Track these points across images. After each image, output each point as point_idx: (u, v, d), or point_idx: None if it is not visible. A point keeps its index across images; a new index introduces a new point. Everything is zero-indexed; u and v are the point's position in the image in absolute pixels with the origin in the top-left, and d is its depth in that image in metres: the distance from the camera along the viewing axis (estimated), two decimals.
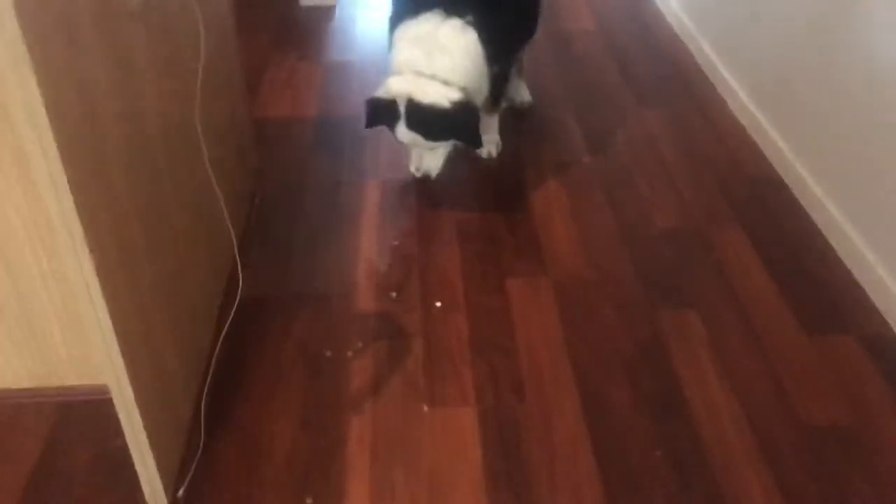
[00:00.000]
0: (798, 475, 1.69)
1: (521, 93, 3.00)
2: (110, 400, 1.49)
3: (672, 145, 2.80)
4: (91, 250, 1.31)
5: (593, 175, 2.66)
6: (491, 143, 2.70)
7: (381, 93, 2.25)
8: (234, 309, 1.85)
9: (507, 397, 1.88)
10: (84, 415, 1.81)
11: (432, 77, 2.21)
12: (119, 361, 1.43)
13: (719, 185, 2.59)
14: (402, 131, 2.25)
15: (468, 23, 2.25)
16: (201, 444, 1.73)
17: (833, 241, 2.32)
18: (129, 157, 1.50)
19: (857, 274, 2.21)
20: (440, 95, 2.19)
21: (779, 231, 2.40)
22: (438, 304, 2.13)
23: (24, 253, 1.67)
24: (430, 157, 2.36)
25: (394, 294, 2.17)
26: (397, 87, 2.22)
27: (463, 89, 2.23)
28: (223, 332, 1.88)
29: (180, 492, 1.64)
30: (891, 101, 2.05)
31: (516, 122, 2.90)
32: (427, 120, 2.22)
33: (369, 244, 2.34)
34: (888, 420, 1.81)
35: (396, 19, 2.36)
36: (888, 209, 2.09)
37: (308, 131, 2.88)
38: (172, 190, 1.74)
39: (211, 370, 1.85)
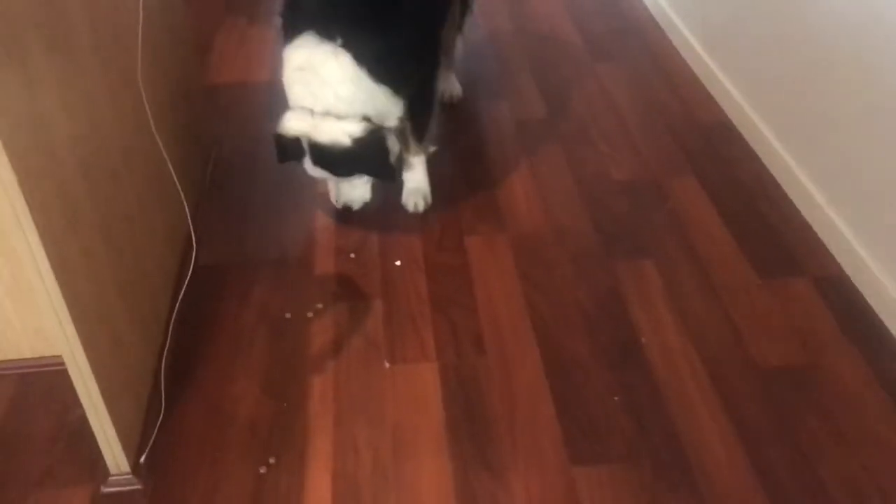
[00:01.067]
0: (752, 415, 1.73)
1: (450, 85, 2.78)
2: (67, 370, 1.48)
3: (628, 98, 2.81)
4: (35, 219, 1.29)
5: (550, 131, 2.66)
6: (417, 195, 2.33)
7: (282, 131, 2.05)
8: (188, 274, 1.84)
9: (468, 352, 1.89)
10: (43, 386, 1.80)
11: (325, 113, 1.99)
12: (71, 331, 1.42)
13: (674, 136, 2.61)
14: (312, 169, 2.08)
15: (340, 46, 1.96)
16: (162, 411, 1.73)
17: (785, 186, 2.36)
18: (72, 122, 1.48)
19: (809, 217, 2.24)
20: (338, 132, 1.98)
21: (732, 178, 2.42)
22: (398, 262, 2.14)
23: None
24: (348, 189, 2.18)
25: (352, 255, 2.17)
26: (295, 125, 2.02)
27: (364, 119, 2.00)
28: (179, 298, 1.87)
29: (142, 458, 1.64)
30: (839, 44, 2.07)
31: (474, 81, 2.89)
32: (331, 158, 2.03)
33: (326, 207, 2.33)
34: (839, 359, 1.86)
35: (283, 38, 2.10)
36: (837, 151, 2.12)
37: (261, 96, 2.85)
38: (120, 155, 1.71)
39: (169, 337, 1.84)
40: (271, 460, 1.66)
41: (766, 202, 2.33)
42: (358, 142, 1.98)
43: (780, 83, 2.38)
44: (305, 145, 2.02)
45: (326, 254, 2.19)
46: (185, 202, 1.89)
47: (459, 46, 2.76)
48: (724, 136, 2.61)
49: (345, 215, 2.23)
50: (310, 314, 2.00)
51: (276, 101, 2.82)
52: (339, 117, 1.98)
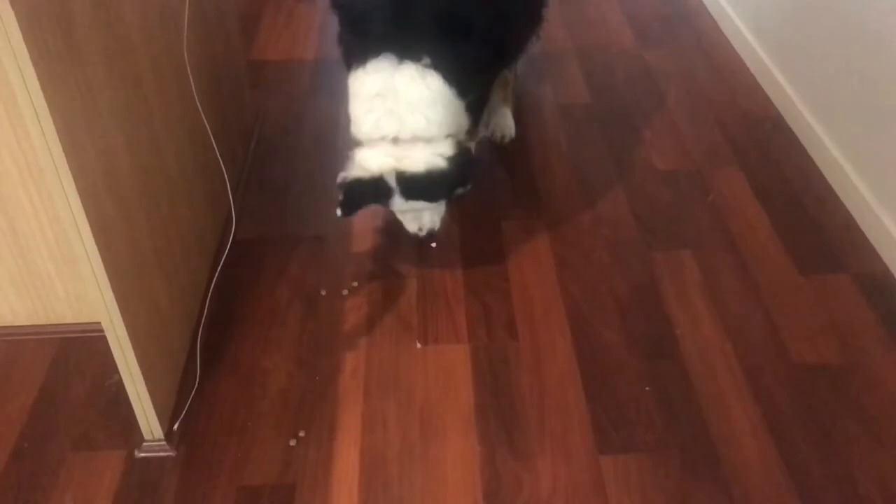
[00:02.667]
0: (786, 413, 1.71)
1: (503, 124, 2.54)
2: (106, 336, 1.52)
3: (674, 87, 2.77)
4: (79, 187, 1.32)
5: (593, 117, 2.64)
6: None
7: (358, 172, 1.83)
8: (227, 248, 1.87)
9: (500, 336, 1.89)
10: (82, 351, 1.85)
11: (413, 140, 1.82)
12: (111, 298, 1.45)
13: (720, 127, 2.57)
14: (401, 204, 1.88)
15: (427, 66, 1.81)
16: (197, 380, 1.76)
17: (832, 182, 2.31)
18: (117, 93, 1.50)
19: (856, 214, 2.19)
20: (432, 157, 1.82)
21: (778, 172, 2.38)
22: (434, 244, 2.14)
23: (17, 192, 1.69)
24: (430, 215, 1.97)
25: (389, 235, 2.18)
26: (377, 163, 1.82)
27: (448, 137, 1.86)
28: (217, 271, 1.90)
29: (176, 425, 1.68)
30: None
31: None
32: (428, 186, 1.84)
33: None
34: (878, 359, 1.82)
35: (347, 59, 1.95)
36: (888, 148, 2.07)
37: (306, 74, 2.87)
38: (164, 128, 1.74)
39: (206, 308, 1.87)
40: (301, 433, 1.68)
41: (811, 197, 2.28)
42: (452, 160, 1.83)
43: (834, 77, 2.32)
44: (392, 182, 1.81)
45: (364, 233, 2.20)
46: (226, 176, 1.91)
47: (518, 72, 2.62)
48: (773, 130, 2.55)
49: (427, 239, 2.02)
50: (345, 292, 2.01)
51: (320, 80, 2.85)
52: (429, 140, 1.82)
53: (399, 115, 1.81)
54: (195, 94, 1.80)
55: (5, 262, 1.78)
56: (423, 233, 1.99)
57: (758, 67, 2.79)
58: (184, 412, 1.70)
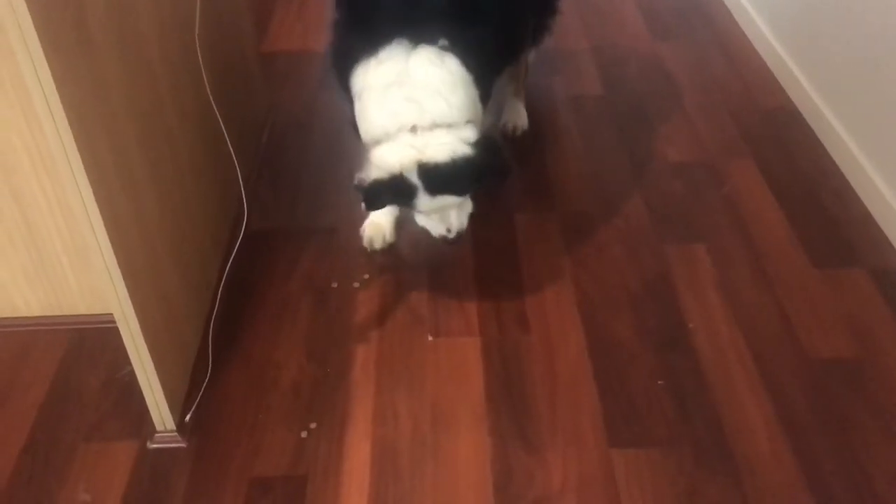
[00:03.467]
0: (800, 407, 1.70)
1: (515, 115, 2.49)
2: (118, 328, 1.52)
3: (688, 78, 2.75)
4: (91, 179, 1.32)
5: (606, 109, 2.62)
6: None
7: (376, 172, 1.74)
8: (238, 240, 1.87)
9: (511, 329, 1.89)
10: (94, 342, 1.85)
11: (433, 127, 1.71)
12: (123, 290, 1.46)
13: (734, 119, 2.55)
14: (426, 202, 1.76)
15: (444, 48, 1.73)
16: (209, 372, 1.76)
17: (848, 175, 2.28)
18: (129, 85, 1.51)
19: (871, 208, 2.17)
20: (457, 143, 1.71)
21: (793, 165, 2.36)
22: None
23: (30, 183, 1.69)
24: (458, 214, 1.84)
25: (401, 228, 2.18)
26: (397, 157, 1.71)
27: (469, 123, 1.76)
28: (229, 263, 1.90)
29: (188, 417, 1.68)
30: None
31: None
32: (454, 176, 1.72)
33: None
34: (892, 354, 1.80)
35: (347, 59, 1.81)
36: None
37: (318, 66, 2.86)
38: (176, 120, 1.74)
39: (218, 300, 1.87)
40: (312, 425, 1.68)
41: (826, 190, 2.26)
42: (479, 145, 1.73)
43: (850, 69, 2.30)
44: (416, 178, 1.71)
45: None
46: (238, 167, 1.91)
47: (530, 62, 2.55)
48: (787, 121, 2.53)
49: (455, 242, 1.90)
50: (356, 284, 2.01)
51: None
52: (450, 126, 1.72)
53: (418, 101, 1.70)
54: (207, 85, 1.80)
55: (19, 253, 1.79)
56: (452, 234, 1.86)
57: (773, 59, 2.76)
58: (195, 404, 1.70)
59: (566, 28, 3.02)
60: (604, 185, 2.31)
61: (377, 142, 1.75)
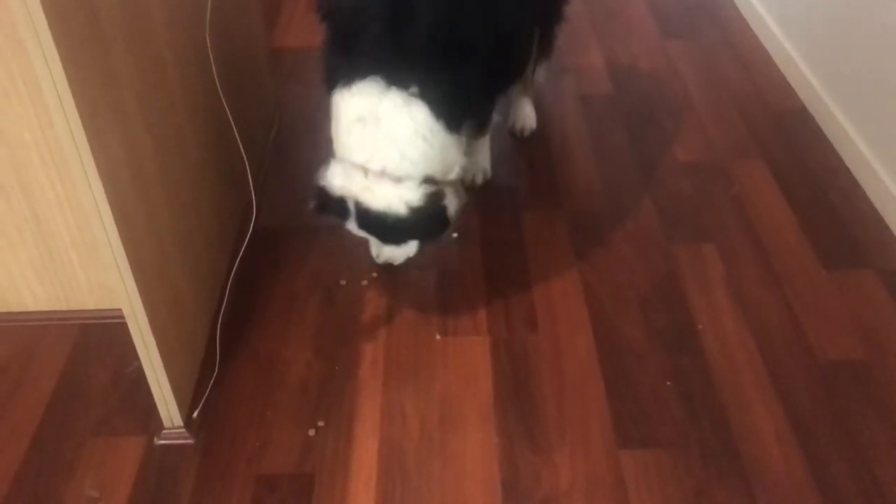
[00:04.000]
0: (808, 409, 1.69)
1: (524, 115, 2.47)
2: (127, 324, 1.52)
3: (697, 78, 2.74)
4: (102, 174, 1.32)
5: (615, 108, 2.61)
6: (478, 170, 2.24)
7: (325, 184, 1.76)
8: (247, 236, 1.87)
9: (519, 328, 1.88)
10: (102, 338, 1.85)
11: (381, 174, 1.68)
12: (132, 286, 1.45)
13: (744, 119, 2.54)
14: (356, 229, 1.79)
15: (413, 95, 1.67)
16: (216, 368, 1.76)
17: (858, 176, 2.27)
18: (140, 80, 1.50)
19: (881, 209, 2.16)
20: (395, 199, 1.69)
21: (803, 165, 2.35)
22: (455, 234, 2.13)
23: (40, 178, 1.69)
24: (391, 250, 1.89)
25: None
26: (340, 184, 1.72)
27: (426, 180, 1.72)
28: (238, 259, 1.90)
29: (195, 413, 1.68)
30: None
31: None
32: (381, 225, 1.75)
33: None
34: None
35: (330, 79, 1.79)
36: None
37: None
38: (186, 116, 1.74)
39: (226, 297, 1.87)
40: (320, 423, 1.68)
41: (836, 191, 2.25)
42: (416, 211, 1.70)
43: (860, 70, 2.29)
44: (352, 206, 1.73)
45: None
46: (247, 164, 1.91)
47: (542, 73, 2.54)
48: (797, 122, 2.52)
49: (385, 267, 1.96)
50: (364, 282, 2.01)
51: None
52: (398, 180, 1.69)
53: (374, 147, 1.69)
54: (217, 81, 1.80)
55: (28, 248, 1.79)
56: (379, 261, 1.93)
57: (783, 59, 2.75)
58: (203, 400, 1.70)
59: (575, 27, 3.01)
60: (612, 184, 2.30)
61: (337, 161, 1.76)
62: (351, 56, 1.74)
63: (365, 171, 1.69)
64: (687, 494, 1.55)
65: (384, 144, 1.69)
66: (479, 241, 2.12)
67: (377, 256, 1.93)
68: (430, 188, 1.72)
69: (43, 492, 1.58)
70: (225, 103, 1.83)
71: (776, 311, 1.90)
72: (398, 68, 1.67)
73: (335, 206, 1.76)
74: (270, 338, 1.87)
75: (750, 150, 2.41)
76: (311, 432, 1.67)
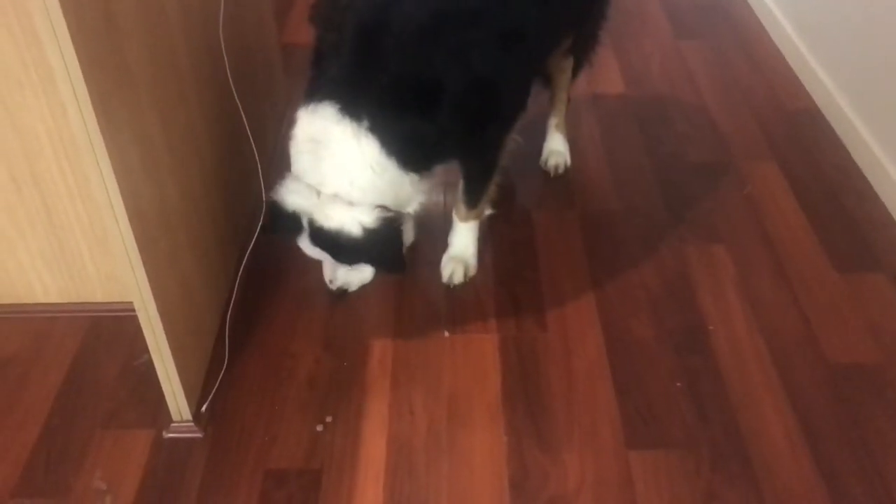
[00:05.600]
0: (819, 411, 1.68)
1: (557, 152, 2.34)
2: (137, 316, 1.52)
3: (710, 78, 2.73)
4: (114, 166, 1.32)
5: (627, 107, 2.60)
6: (457, 263, 1.99)
7: (279, 200, 1.72)
8: (257, 231, 1.87)
9: (529, 326, 1.88)
10: (112, 330, 1.86)
11: (334, 196, 1.66)
12: (143, 279, 1.46)
13: (756, 120, 2.53)
14: (308, 248, 1.76)
15: (366, 129, 1.63)
16: (225, 362, 1.76)
17: (871, 178, 2.26)
18: (153, 74, 1.50)
19: (895, 212, 2.15)
20: (347, 219, 1.67)
21: (816, 167, 2.33)
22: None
23: (52, 170, 1.70)
24: (342, 272, 1.84)
25: (420, 223, 2.17)
26: (294, 201, 1.69)
27: (379, 207, 1.69)
28: (247, 253, 1.90)
29: (204, 407, 1.68)
30: None
31: None
32: (334, 244, 1.71)
33: None
34: None
35: (306, 92, 1.75)
36: None
37: None
38: (198, 110, 1.74)
39: (235, 291, 1.87)
40: (328, 418, 1.68)
41: (849, 194, 2.24)
42: (369, 233, 1.67)
43: (875, 72, 2.27)
44: (305, 222, 1.70)
45: None
46: (258, 159, 1.91)
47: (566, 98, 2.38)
48: (810, 124, 2.51)
49: (336, 296, 1.89)
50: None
51: None
52: (351, 203, 1.67)
53: (325, 171, 1.66)
54: (230, 76, 1.80)
55: (38, 239, 1.80)
56: (333, 286, 1.85)
57: (796, 60, 2.74)
58: (212, 394, 1.70)
59: None
60: (624, 183, 2.29)
61: (293, 177, 1.72)
62: (319, 76, 1.72)
63: (316, 191, 1.67)
64: (696, 496, 1.54)
65: (335, 171, 1.66)
66: (490, 238, 2.12)
67: (331, 282, 1.85)
68: (385, 213, 1.69)
69: (52, 483, 1.58)
70: (237, 98, 1.83)
71: (787, 314, 1.89)
72: (354, 100, 1.63)
73: (288, 221, 1.72)
74: (279, 333, 1.87)
75: (762, 151, 2.40)
76: (319, 428, 1.67)
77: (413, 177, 1.73)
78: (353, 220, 1.67)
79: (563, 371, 1.78)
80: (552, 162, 2.35)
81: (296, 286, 1.99)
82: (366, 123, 1.63)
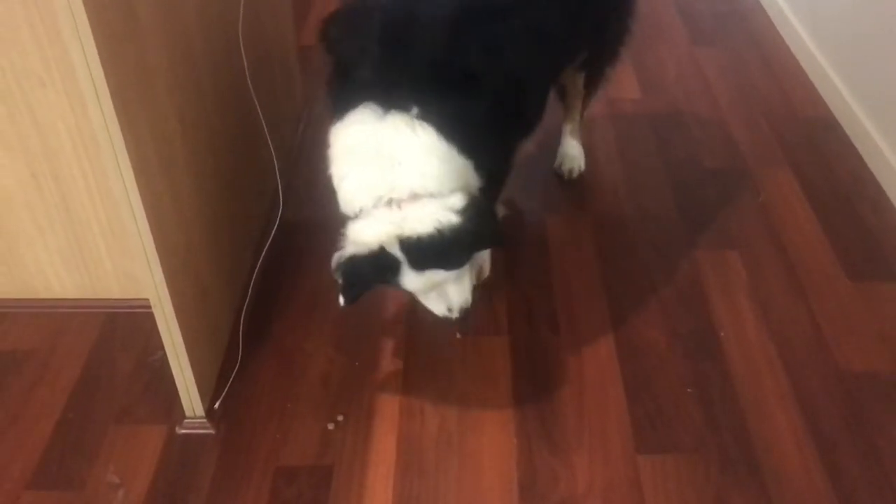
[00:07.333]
0: (830, 420, 1.68)
1: (571, 157, 2.34)
2: (153, 313, 1.53)
3: (726, 85, 2.73)
4: (133, 164, 1.34)
5: (643, 112, 2.61)
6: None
7: (353, 249, 1.55)
8: (273, 230, 1.88)
9: (540, 329, 1.88)
10: (127, 326, 1.88)
11: (413, 197, 1.52)
12: (160, 275, 1.47)
13: (772, 127, 2.52)
14: (413, 279, 1.56)
15: (416, 117, 1.53)
16: (239, 360, 1.78)
17: (886, 187, 2.25)
18: (173, 74, 1.52)
19: None
20: (441, 212, 1.52)
21: (830, 175, 2.33)
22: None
23: (71, 167, 1.72)
24: (457, 290, 1.64)
25: None
26: (374, 232, 1.52)
27: (454, 191, 1.56)
28: (263, 253, 1.92)
29: (217, 403, 1.70)
30: None
31: None
32: (442, 249, 1.52)
33: None
34: None
35: (333, 115, 1.64)
36: None
37: None
38: (216, 110, 1.75)
39: (250, 289, 1.89)
40: (339, 417, 1.69)
41: (864, 202, 2.23)
42: (465, 211, 1.52)
43: (891, 80, 2.26)
44: (398, 252, 1.51)
45: None
46: (274, 158, 1.92)
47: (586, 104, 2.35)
48: (825, 131, 2.50)
49: (464, 324, 1.76)
50: None
51: None
52: (431, 196, 1.53)
53: (391, 173, 1.52)
54: (248, 77, 1.82)
55: (56, 235, 1.82)
56: (455, 314, 1.66)
57: (812, 67, 2.73)
58: (225, 391, 1.72)
59: None
60: (637, 188, 2.30)
61: (355, 216, 1.57)
62: (347, 86, 1.61)
63: (392, 203, 1.52)
64: (704, 501, 1.54)
65: (399, 168, 1.53)
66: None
67: (449, 309, 1.65)
68: (465, 193, 1.57)
69: (66, 476, 1.60)
70: (255, 98, 1.85)
71: (799, 321, 1.89)
72: (399, 91, 1.54)
73: (375, 265, 1.53)
74: (293, 331, 1.88)
75: (777, 159, 2.40)
76: (331, 426, 1.68)
77: (470, 163, 1.60)
78: (444, 210, 1.52)
79: (574, 374, 1.78)
80: (566, 166, 2.35)
81: (310, 285, 2.00)
82: (415, 111, 1.53)
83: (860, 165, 2.36)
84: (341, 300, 1.59)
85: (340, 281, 1.57)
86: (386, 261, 1.52)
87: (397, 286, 1.58)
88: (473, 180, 1.63)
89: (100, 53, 1.21)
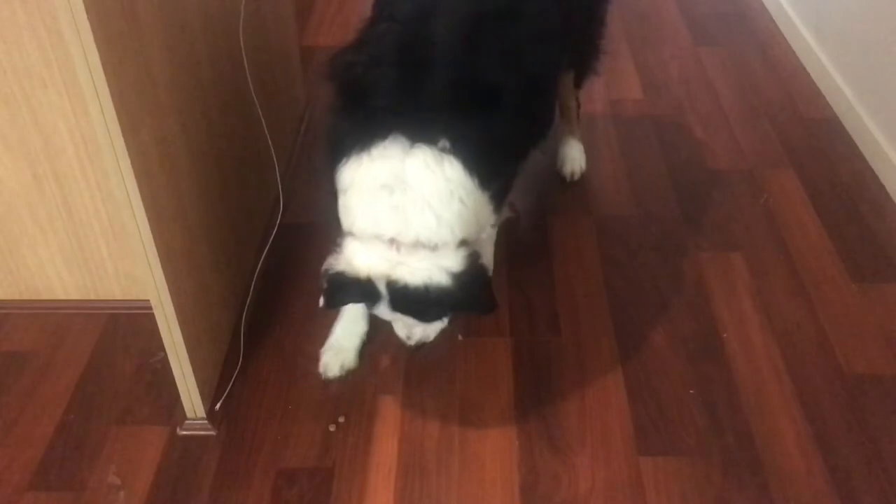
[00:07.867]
0: (833, 422, 1.67)
1: (572, 157, 2.33)
2: (154, 314, 1.53)
3: (729, 85, 2.72)
4: (134, 165, 1.33)
5: (645, 113, 2.60)
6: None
7: (344, 267, 1.54)
8: (274, 231, 1.88)
9: (542, 331, 1.88)
10: (128, 328, 1.88)
11: (415, 245, 1.48)
12: (161, 277, 1.47)
13: (775, 128, 2.52)
14: (387, 313, 1.58)
15: (444, 150, 1.47)
16: (240, 362, 1.78)
17: (890, 188, 2.25)
18: (174, 75, 1.52)
19: None
20: (435, 270, 1.49)
21: (834, 176, 2.32)
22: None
23: (73, 168, 1.72)
24: (423, 329, 1.67)
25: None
26: (366, 264, 1.51)
27: (462, 243, 1.52)
28: (264, 254, 1.92)
29: (218, 405, 1.69)
30: None
31: None
32: (423, 304, 1.53)
33: None
34: None
35: (337, 152, 1.55)
36: None
37: None
38: (217, 111, 1.75)
39: (251, 291, 1.89)
40: (341, 419, 1.69)
41: (867, 204, 2.22)
42: (459, 277, 1.51)
43: (893, 80, 2.26)
44: (382, 288, 1.51)
45: None
46: (275, 160, 1.92)
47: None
48: (828, 132, 2.50)
49: (414, 350, 1.74)
50: None
51: None
52: (434, 248, 1.49)
53: (405, 213, 1.47)
54: (249, 77, 1.82)
55: (58, 236, 1.82)
56: (411, 342, 1.69)
57: (816, 68, 2.72)
58: (226, 392, 1.72)
59: (607, 31, 3.00)
60: (640, 189, 2.29)
61: (355, 237, 1.54)
62: (366, 118, 1.52)
63: (394, 244, 1.49)
64: (707, 503, 1.54)
65: (417, 211, 1.47)
66: (505, 242, 2.12)
67: (408, 338, 1.69)
68: (467, 250, 1.53)
69: (67, 477, 1.60)
70: (256, 99, 1.85)
71: (803, 323, 1.88)
72: (422, 121, 1.47)
73: (359, 290, 1.53)
74: (294, 333, 1.88)
75: (780, 160, 2.39)
76: (332, 428, 1.68)
77: (488, 196, 1.56)
78: (439, 268, 1.50)
79: (576, 376, 1.78)
80: (567, 167, 2.34)
81: (312, 287, 1.99)
82: (442, 143, 1.47)
83: (864, 167, 2.35)
84: (322, 302, 1.61)
85: (325, 287, 1.58)
86: (369, 290, 1.53)
87: (371, 310, 1.61)
88: (488, 215, 1.61)
89: (100, 54, 1.21)
